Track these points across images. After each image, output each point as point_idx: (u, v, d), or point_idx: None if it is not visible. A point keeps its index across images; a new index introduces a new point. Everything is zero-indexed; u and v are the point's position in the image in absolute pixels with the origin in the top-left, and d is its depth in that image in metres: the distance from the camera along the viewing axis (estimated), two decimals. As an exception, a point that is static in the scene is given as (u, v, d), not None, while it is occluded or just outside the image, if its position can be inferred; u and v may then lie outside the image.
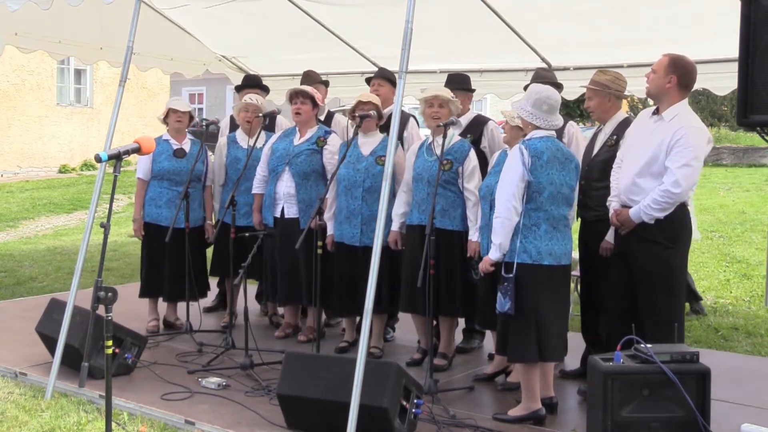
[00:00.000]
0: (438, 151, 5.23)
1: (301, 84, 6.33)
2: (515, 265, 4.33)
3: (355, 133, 5.49)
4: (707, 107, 33.47)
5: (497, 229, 4.37)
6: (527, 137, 4.49)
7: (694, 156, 4.35)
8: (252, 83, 7.06)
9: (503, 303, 4.33)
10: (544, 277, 4.37)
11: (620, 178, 4.65)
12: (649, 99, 4.78)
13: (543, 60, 7.26)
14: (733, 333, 6.79)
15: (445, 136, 5.12)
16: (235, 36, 8.27)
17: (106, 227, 3.50)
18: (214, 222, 6.49)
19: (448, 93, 5.32)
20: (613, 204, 4.68)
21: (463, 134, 5.64)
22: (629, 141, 4.72)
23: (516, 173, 4.35)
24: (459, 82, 5.86)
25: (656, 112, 4.55)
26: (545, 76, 5.84)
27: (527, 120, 4.50)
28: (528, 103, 4.51)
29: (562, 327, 4.59)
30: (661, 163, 4.38)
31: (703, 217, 13.64)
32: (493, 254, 4.41)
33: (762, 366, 5.86)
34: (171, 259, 6.19)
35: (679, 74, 4.44)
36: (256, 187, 6.12)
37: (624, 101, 5.46)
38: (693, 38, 6.12)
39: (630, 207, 4.50)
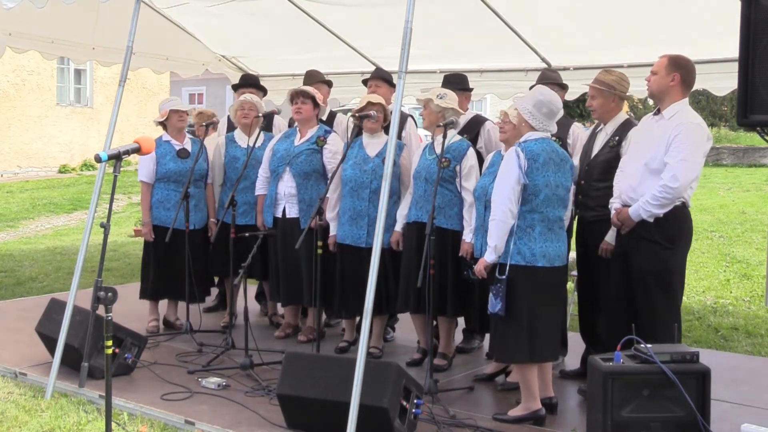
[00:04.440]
0: (438, 150, 5.23)
1: (304, 83, 6.34)
2: (508, 267, 4.33)
3: (354, 134, 5.49)
4: (707, 107, 33.44)
5: (492, 232, 4.35)
6: (522, 139, 4.47)
7: (692, 151, 4.36)
8: (249, 82, 7.07)
9: (494, 304, 4.34)
10: (538, 279, 4.36)
11: (622, 179, 4.66)
12: (649, 99, 4.81)
13: (543, 60, 7.26)
14: (733, 333, 6.79)
15: (445, 136, 5.12)
16: (235, 36, 8.27)
17: (106, 227, 3.50)
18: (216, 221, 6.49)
19: (451, 103, 5.26)
20: (614, 204, 4.68)
21: (459, 134, 5.64)
22: (633, 142, 4.73)
23: (512, 176, 4.33)
24: (456, 82, 5.84)
25: (657, 112, 4.58)
26: (551, 77, 5.82)
27: (524, 118, 4.49)
28: (530, 102, 4.51)
29: (555, 328, 4.56)
30: (660, 159, 4.40)
31: (703, 217, 13.64)
32: (489, 256, 4.39)
33: (762, 366, 5.86)
34: (179, 260, 6.17)
35: (682, 72, 4.48)
36: (259, 189, 6.12)
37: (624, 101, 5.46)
38: (693, 38, 6.12)
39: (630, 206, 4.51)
